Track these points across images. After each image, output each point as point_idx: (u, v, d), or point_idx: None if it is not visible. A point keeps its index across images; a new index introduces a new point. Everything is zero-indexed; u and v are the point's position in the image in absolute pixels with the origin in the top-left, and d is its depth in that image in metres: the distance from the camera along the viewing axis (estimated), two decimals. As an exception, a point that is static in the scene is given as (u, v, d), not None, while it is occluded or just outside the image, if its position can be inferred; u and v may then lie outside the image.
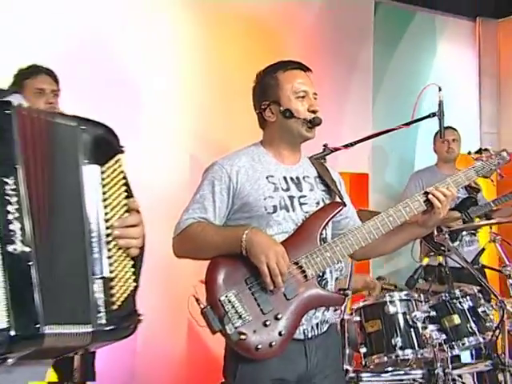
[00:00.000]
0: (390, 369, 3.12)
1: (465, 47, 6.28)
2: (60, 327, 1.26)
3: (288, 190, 2.16)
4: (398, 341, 2.99)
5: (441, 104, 2.73)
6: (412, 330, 3.01)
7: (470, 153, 2.63)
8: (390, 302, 3.08)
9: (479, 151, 2.49)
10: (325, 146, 2.51)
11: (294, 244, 2.07)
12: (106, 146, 1.43)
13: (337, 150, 2.55)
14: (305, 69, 2.26)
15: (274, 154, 2.23)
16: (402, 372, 3.11)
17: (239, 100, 4.67)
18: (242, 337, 1.94)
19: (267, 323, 1.97)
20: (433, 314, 3.12)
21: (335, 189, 2.25)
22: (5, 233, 1.21)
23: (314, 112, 2.17)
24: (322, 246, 2.09)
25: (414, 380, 3.11)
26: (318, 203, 2.19)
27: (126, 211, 1.43)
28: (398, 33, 5.73)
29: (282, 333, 1.99)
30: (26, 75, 2.98)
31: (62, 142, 1.37)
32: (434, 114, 2.76)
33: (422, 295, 3.20)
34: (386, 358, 3.03)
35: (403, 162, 5.60)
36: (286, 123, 2.18)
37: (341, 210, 2.18)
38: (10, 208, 1.22)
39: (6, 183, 1.23)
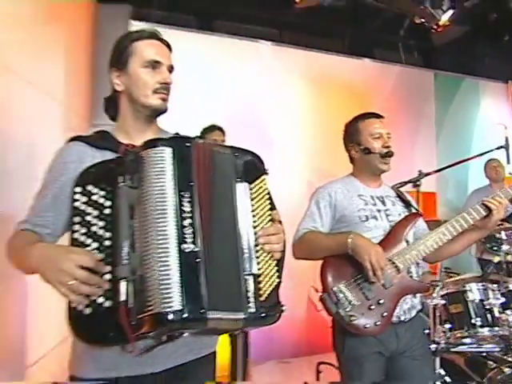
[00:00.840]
0: (468, 341, 2.50)
1: (500, 102, 5.53)
2: (219, 313, 1.07)
3: (375, 204, 1.88)
4: (478, 320, 2.42)
5: (507, 139, 2.22)
6: (488, 312, 2.43)
7: (510, 173, 2.14)
8: (469, 290, 2.51)
9: None
10: (419, 171, 2.14)
11: (386, 246, 1.76)
12: (253, 168, 1.24)
13: (428, 174, 2.17)
14: (378, 116, 1.96)
15: (361, 181, 1.94)
16: (480, 345, 2.49)
17: (340, 142, 4.32)
18: (352, 318, 1.68)
19: (371, 307, 1.70)
20: (503, 299, 2.53)
21: (412, 204, 1.95)
22: (180, 235, 1.07)
23: (387, 147, 1.88)
24: (408, 246, 1.79)
25: (492, 352, 2.54)
26: (399, 214, 1.90)
27: (270, 220, 1.22)
28: (452, 93, 5.16)
29: (384, 314, 1.71)
30: (207, 131, 2.98)
31: (221, 166, 1.20)
32: (501, 147, 2.30)
33: (495, 285, 2.62)
34: (467, 333, 2.45)
35: (459, 184, 4.92)
36: (366, 158, 1.90)
37: (419, 218, 1.88)
38: (184, 215, 1.08)
39: (183, 196, 1.09)
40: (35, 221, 1.19)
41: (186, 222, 1.06)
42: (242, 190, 1.18)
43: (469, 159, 2.42)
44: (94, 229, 1.08)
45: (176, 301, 0.99)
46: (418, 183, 2.13)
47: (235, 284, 1.10)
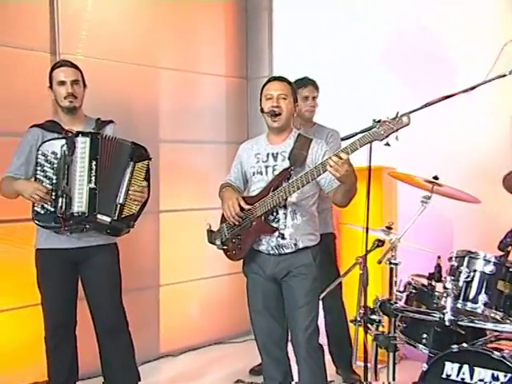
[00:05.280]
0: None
1: None
2: (102, 215, 2.96)
3: (266, 161, 2.88)
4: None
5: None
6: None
7: (375, 120, 2.38)
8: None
9: (379, 120, 2.36)
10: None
11: (260, 195, 2.81)
12: (140, 155, 3.06)
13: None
14: (277, 80, 2.90)
15: (267, 139, 2.95)
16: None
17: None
18: (225, 247, 2.95)
19: (233, 241, 2.91)
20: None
21: (298, 158, 2.78)
22: (88, 179, 2.94)
23: (273, 107, 2.80)
24: (268, 196, 2.75)
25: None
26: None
27: (142, 186, 3.04)
28: None
29: (239, 246, 2.88)
30: (299, 84, 3.65)
31: (120, 150, 3.05)
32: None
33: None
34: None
35: None
36: (264, 117, 2.88)
37: (286, 174, 2.77)
38: (91, 171, 2.95)
39: (91, 162, 2.96)
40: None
41: (92, 174, 2.93)
42: (130, 165, 3.00)
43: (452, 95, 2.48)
44: (48, 174, 2.94)
45: (83, 208, 2.92)
46: (308, 137, 2.85)
47: (111, 206, 2.96)
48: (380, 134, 2.33)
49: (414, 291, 3.04)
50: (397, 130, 2.31)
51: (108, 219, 2.95)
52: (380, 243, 3.03)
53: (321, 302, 3.62)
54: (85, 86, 3.10)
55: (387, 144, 2.34)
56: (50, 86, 3.06)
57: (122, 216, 2.98)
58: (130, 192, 2.99)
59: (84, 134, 2.98)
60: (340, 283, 3.60)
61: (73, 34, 3.91)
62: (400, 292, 3.02)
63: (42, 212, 2.93)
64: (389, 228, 3.15)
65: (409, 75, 4.27)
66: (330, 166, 2.44)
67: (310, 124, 3.79)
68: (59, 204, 2.89)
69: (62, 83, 3.00)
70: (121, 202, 2.97)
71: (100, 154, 2.95)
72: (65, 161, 2.92)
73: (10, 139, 3.58)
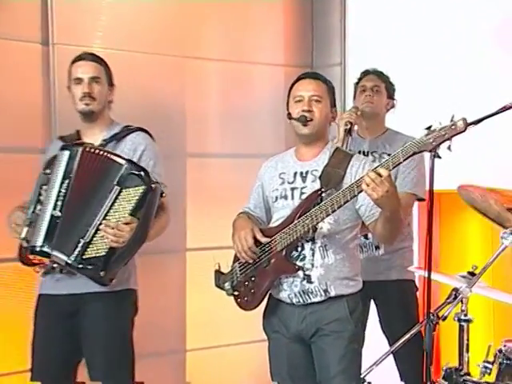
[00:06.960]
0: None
1: None
2: (57, 252, 2.91)
3: (293, 182, 2.98)
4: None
5: None
6: None
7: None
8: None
9: (429, 127, 2.41)
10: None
11: (281, 226, 2.91)
12: (133, 179, 2.90)
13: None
14: (309, 77, 3.04)
15: (296, 153, 3.02)
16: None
17: None
18: (236, 293, 3.03)
19: (246, 284, 2.98)
20: None
21: (332, 178, 2.92)
22: (54, 205, 2.95)
23: (303, 111, 2.88)
24: (289, 226, 2.81)
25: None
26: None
27: (125, 222, 2.82)
28: None
29: (252, 291, 2.96)
30: (362, 75, 3.98)
31: (106, 169, 2.95)
32: None
33: None
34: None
35: None
36: (292, 124, 2.96)
37: (315, 197, 2.88)
38: (60, 194, 3.01)
39: (63, 182, 2.96)
40: None
41: (60, 197, 2.89)
42: (113, 191, 2.83)
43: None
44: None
45: (40, 240, 2.85)
46: (347, 152, 3.08)
47: (73, 242, 2.85)
48: (428, 143, 2.42)
49: (505, 362, 2.99)
50: (450, 139, 2.38)
51: (64, 258, 2.86)
52: (458, 294, 2.98)
53: (396, 367, 3.80)
54: (111, 85, 3.18)
55: (437, 156, 2.45)
56: (69, 87, 3.10)
57: (84, 257, 2.88)
58: (101, 226, 2.84)
59: (66, 146, 2.99)
60: (420, 345, 3.63)
61: (72, 19, 4.06)
62: (488, 363, 2.97)
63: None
64: (472, 274, 3.03)
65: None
66: (367, 185, 2.50)
67: (379, 130, 3.81)
68: (22, 235, 2.93)
69: (79, 81, 3.09)
70: (86, 238, 2.88)
71: (76, 173, 2.92)
72: (39, 181, 2.96)
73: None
